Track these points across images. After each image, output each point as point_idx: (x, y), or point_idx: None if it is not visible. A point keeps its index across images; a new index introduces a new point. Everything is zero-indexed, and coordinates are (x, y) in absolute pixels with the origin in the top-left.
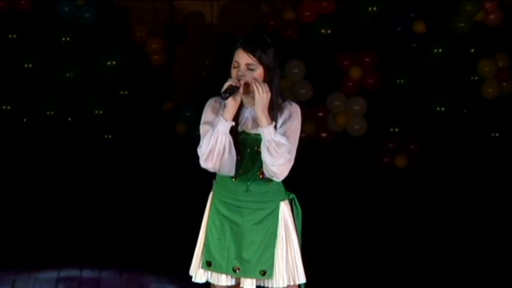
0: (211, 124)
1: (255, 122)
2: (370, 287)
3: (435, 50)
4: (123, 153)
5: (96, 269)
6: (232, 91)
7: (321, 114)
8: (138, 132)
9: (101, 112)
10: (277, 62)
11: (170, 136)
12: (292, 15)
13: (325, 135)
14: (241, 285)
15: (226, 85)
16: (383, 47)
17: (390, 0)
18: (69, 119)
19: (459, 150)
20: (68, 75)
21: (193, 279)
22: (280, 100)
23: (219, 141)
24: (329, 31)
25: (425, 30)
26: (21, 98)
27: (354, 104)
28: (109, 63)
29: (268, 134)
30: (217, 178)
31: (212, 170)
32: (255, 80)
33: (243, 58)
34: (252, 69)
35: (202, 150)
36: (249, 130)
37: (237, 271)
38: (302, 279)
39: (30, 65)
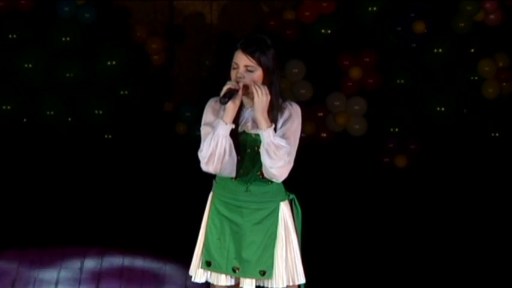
0: (212, 126)
1: (255, 123)
2: (370, 287)
3: (435, 50)
4: (123, 153)
5: (96, 269)
6: (231, 95)
7: (321, 114)
8: (138, 132)
9: (101, 112)
10: (276, 63)
11: (170, 136)
12: (292, 15)
13: (325, 135)
14: (240, 285)
15: (224, 89)
16: (383, 47)
17: (390, 0)
18: (69, 119)
19: (459, 150)
20: (68, 75)
21: (192, 279)
22: (280, 100)
23: (219, 144)
24: (329, 31)
25: (425, 30)
26: (21, 98)
27: (354, 104)
28: (109, 63)
29: (268, 137)
30: (217, 178)
31: (213, 173)
32: (254, 82)
33: (242, 60)
34: (251, 71)
35: (203, 154)
36: (249, 130)
37: (237, 271)
38: (301, 279)
39: (30, 65)
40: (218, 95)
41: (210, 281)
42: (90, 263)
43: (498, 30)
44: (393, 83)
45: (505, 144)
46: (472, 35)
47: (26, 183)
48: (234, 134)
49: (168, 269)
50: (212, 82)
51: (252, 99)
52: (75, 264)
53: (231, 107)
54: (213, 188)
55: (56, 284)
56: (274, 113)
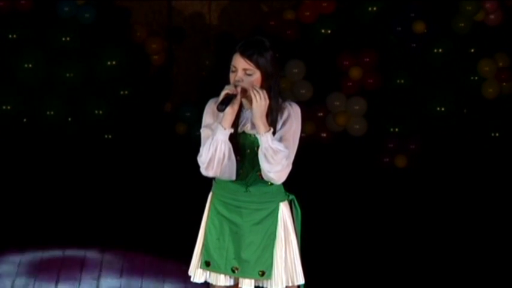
0: (211, 128)
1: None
2: (370, 287)
3: (435, 50)
4: (123, 153)
5: (96, 269)
6: (228, 101)
7: (321, 114)
8: (138, 132)
9: (101, 112)
10: (275, 65)
11: (170, 136)
12: (292, 15)
13: (325, 135)
14: (239, 286)
15: (222, 94)
16: (383, 47)
17: (390, 0)
18: (69, 119)
19: (459, 150)
20: (68, 75)
21: (191, 279)
22: (280, 100)
23: (218, 149)
24: (329, 31)
25: (425, 30)
26: (21, 98)
27: (354, 104)
28: (109, 63)
29: (266, 141)
30: (216, 179)
31: (213, 177)
32: (253, 87)
33: (240, 63)
34: (250, 75)
35: (202, 159)
36: (249, 131)
37: (236, 271)
38: (301, 280)
39: (30, 65)
40: (218, 95)
41: (209, 281)
42: (89, 263)
43: (498, 30)
44: (393, 83)
45: (505, 144)
46: (472, 35)
47: (26, 183)
48: (234, 135)
49: (167, 268)
50: (212, 82)
51: (251, 102)
52: (75, 264)
53: (230, 112)
54: (213, 188)
55: (56, 283)
56: (273, 115)
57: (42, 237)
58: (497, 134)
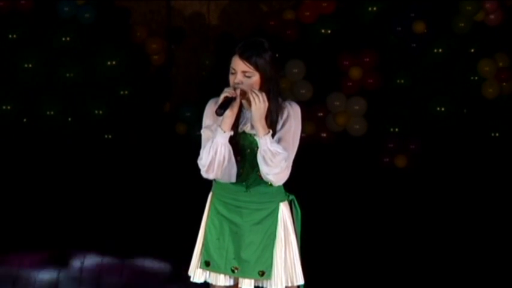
0: (211, 129)
1: None
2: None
3: (435, 50)
4: (123, 153)
5: (96, 269)
6: (227, 104)
7: (321, 114)
8: (138, 132)
9: (101, 112)
10: (275, 66)
11: (170, 136)
12: (292, 15)
13: (325, 135)
14: (239, 286)
15: (221, 97)
16: (383, 47)
17: (390, 0)
18: (69, 119)
19: (459, 150)
20: (68, 75)
21: (191, 279)
22: (280, 100)
23: (218, 152)
24: (329, 31)
25: (425, 30)
26: (21, 98)
27: (354, 104)
28: (109, 63)
29: (265, 144)
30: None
31: (213, 179)
32: (252, 89)
33: (239, 65)
34: (249, 77)
35: (203, 162)
36: (249, 131)
37: (236, 271)
38: (300, 280)
39: (30, 65)
40: (217, 95)
41: (209, 281)
42: (90, 263)
43: (498, 30)
44: (393, 83)
45: (505, 144)
46: (472, 35)
47: (25, 183)
48: (234, 135)
49: (167, 268)
50: (211, 82)
51: (250, 104)
52: (75, 264)
53: (229, 115)
54: (213, 188)
55: (56, 284)
56: (273, 116)
57: (42, 236)
58: (497, 134)
